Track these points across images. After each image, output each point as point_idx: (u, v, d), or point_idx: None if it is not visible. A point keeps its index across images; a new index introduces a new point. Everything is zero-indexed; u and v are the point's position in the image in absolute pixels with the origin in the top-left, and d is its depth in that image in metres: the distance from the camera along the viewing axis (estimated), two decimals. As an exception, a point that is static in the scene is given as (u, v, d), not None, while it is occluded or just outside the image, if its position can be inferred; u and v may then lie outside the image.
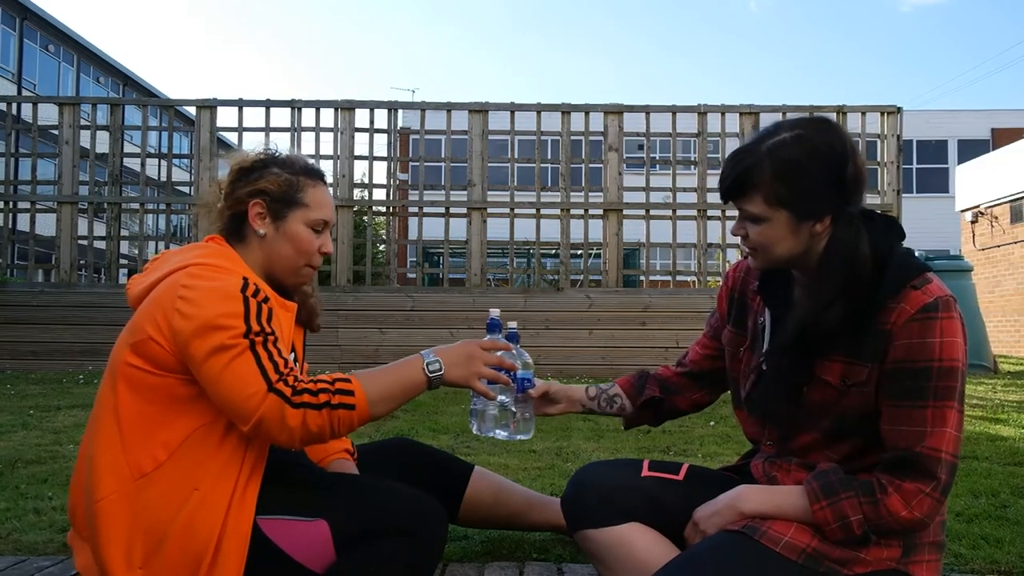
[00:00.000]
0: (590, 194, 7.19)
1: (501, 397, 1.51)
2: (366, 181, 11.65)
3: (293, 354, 1.61)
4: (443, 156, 7.20)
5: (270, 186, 1.53)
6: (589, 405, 1.69)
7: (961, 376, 1.24)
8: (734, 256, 7.53)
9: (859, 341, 1.28)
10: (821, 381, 1.33)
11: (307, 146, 15.16)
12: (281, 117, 17.45)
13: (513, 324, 1.57)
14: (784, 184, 1.27)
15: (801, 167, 1.27)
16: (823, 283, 1.29)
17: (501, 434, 1.55)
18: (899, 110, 7.08)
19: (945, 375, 1.23)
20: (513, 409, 1.54)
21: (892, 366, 1.26)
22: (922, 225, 19.11)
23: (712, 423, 4.06)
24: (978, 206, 13.69)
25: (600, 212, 7.05)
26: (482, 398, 1.49)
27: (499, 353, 1.48)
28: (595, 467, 1.57)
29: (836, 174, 1.28)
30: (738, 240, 1.41)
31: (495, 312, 1.55)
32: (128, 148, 7.48)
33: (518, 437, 1.58)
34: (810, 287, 1.33)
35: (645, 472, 1.50)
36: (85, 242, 7.11)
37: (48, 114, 7.37)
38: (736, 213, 1.37)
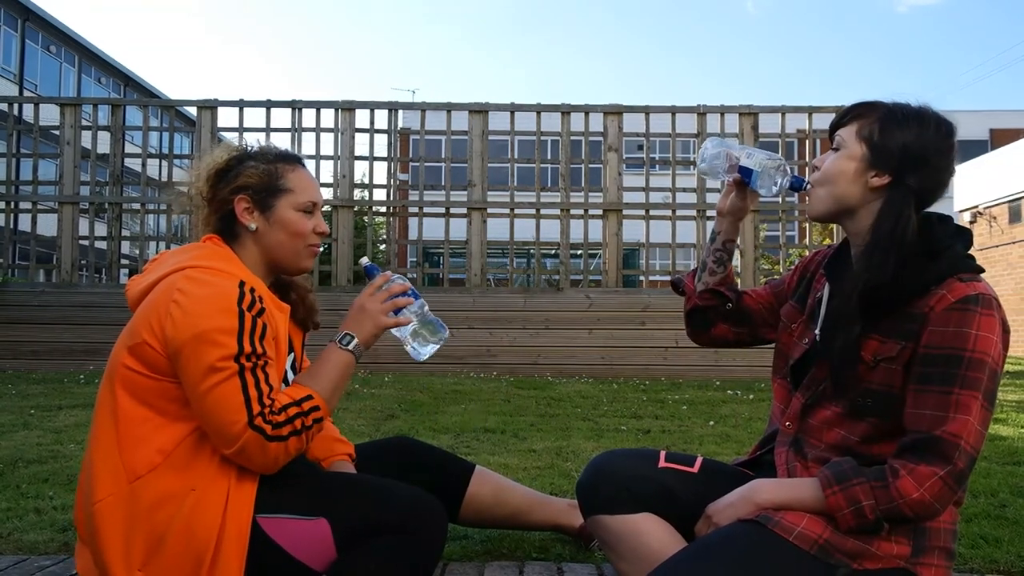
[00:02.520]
0: (590, 194, 7.20)
1: (413, 316, 1.57)
2: (366, 181, 11.65)
3: (291, 354, 1.61)
4: (443, 156, 7.21)
5: (250, 180, 1.53)
6: (728, 231, 1.63)
7: (990, 373, 1.25)
8: (735, 257, 7.53)
9: (896, 321, 1.31)
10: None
11: (308, 146, 15.11)
12: (282, 117, 17.38)
13: (364, 259, 1.67)
14: (881, 125, 1.37)
15: (904, 122, 1.36)
16: (871, 244, 1.35)
17: (437, 343, 1.60)
18: (899, 110, 7.07)
19: (975, 366, 1.24)
20: (431, 317, 1.60)
21: (924, 351, 1.27)
22: (922, 225, 19.06)
23: (712, 423, 4.07)
24: (976, 206, 13.71)
25: (600, 212, 7.06)
26: (403, 328, 1.57)
27: (385, 286, 1.55)
28: (613, 455, 1.58)
29: (923, 145, 1.35)
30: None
31: (365, 260, 1.64)
32: (129, 148, 7.51)
33: (447, 334, 1.62)
34: (864, 249, 1.38)
35: (662, 463, 1.52)
36: (86, 242, 7.12)
37: (49, 115, 7.38)
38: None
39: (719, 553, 1.26)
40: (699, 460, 1.55)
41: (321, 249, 1.58)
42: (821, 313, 1.48)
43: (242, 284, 1.40)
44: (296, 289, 1.67)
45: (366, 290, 1.56)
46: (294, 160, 1.60)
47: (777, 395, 1.56)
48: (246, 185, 1.53)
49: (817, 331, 1.47)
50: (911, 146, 1.34)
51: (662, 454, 1.54)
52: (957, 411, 1.23)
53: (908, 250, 1.32)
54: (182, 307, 1.35)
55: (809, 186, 1.46)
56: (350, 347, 1.51)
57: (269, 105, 7.03)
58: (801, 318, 1.55)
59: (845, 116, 1.43)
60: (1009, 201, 12.90)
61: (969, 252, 1.37)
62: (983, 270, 1.33)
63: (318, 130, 7.07)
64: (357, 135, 7.11)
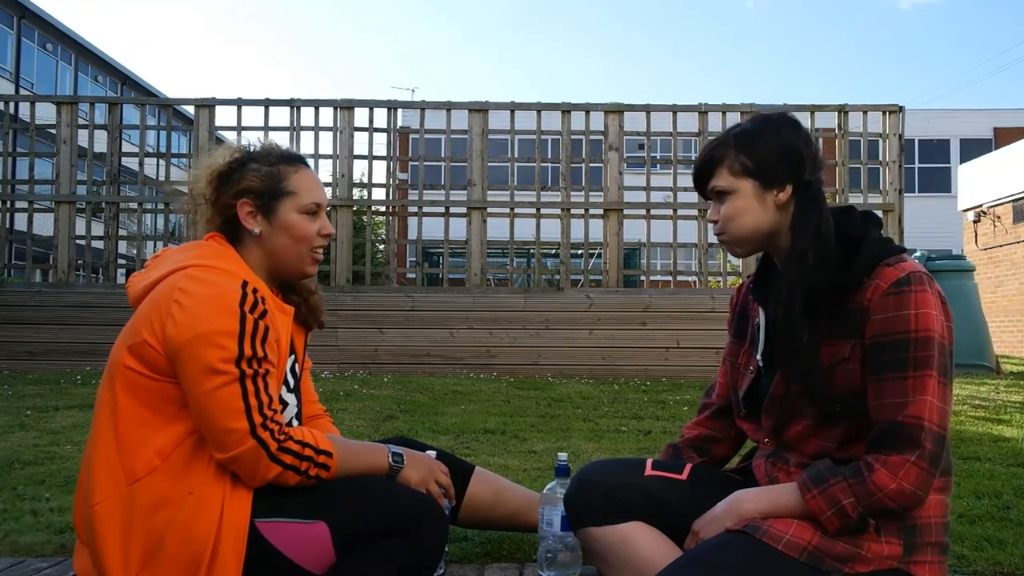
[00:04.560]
0: (590, 194, 7.18)
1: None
2: (365, 180, 11.62)
3: (292, 356, 1.59)
4: (443, 156, 7.19)
5: (253, 183, 1.52)
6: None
7: (939, 347, 1.26)
8: (734, 255, 7.52)
9: (839, 321, 1.32)
10: None
11: (306, 145, 15.11)
12: (280, 116, 17.44)
13: (563, 456, 1.80)
14: (746, 154, 1.40)
15: (760, 138, 1.41)
16: (797, 248, 1.36)
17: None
18: (901, 109, 7.07)
19: (922, 345, 1.25)
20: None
21: (871, 341, 1.29)
22: (924, 225, 19.08)
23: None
24: (980, 206, 13.69)
25: (600, 212, 7.04)
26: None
27: (447, 482, 1.62)
28: (599, 465, 1.58)
29: (792, 144, 1.39)
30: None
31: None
32: (126, 147, 7.46)
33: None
34: (787, 261, 1.38)
35: (648, 471, 1.51)
36: (83, 242, 7.09)
37: (46, 113, 7.36)
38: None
39: (708, 564, 1.25)
40: (688, 467, 1.54)
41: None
42: (761, 338, 1.48)
43: (245, 284, 1.39)
44: (300, 290, 1.65)
45: (443, 468, 1.61)
46: (297, 161, 1.58)
47: (747, 430, 1.55)
48: (249, 189, 1.52)
49: (759, 356, 1.47)
50: (781, 150, 1.39)
51: (648, 462, 1.53)
52: (915, 393, 1.24)
53: (828, 246, 1.34)
54: (183, 307, 1.34)
55: (566, 481, 1.53)
56: (393, 464, 1.53)
57: (267, 104, 7.01)
58: (744, 348, 1.54)
59: (704, 170, 1.46)
60: (1013, 200, 12.87)
61: (886, 236, 1.39)
62: (904, 249, 1.35)
63: (317, 129, 7.04)
64: (356, 134, 7.09)
